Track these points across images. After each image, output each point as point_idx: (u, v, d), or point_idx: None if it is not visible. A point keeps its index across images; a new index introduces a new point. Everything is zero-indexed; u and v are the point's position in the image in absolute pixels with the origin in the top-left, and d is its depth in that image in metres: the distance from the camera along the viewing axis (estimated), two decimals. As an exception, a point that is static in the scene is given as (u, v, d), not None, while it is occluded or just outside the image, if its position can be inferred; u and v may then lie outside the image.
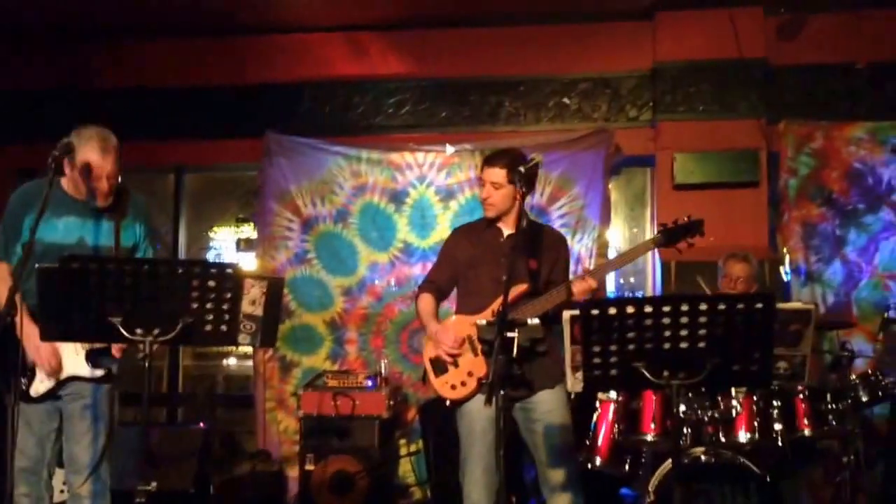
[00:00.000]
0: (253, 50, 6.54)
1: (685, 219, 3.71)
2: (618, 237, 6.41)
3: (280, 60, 6.52)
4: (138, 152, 6.48)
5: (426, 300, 3.95)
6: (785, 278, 5.98)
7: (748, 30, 6.01)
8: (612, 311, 2.85)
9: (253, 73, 6.52)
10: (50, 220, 3.49)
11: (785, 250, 5.99)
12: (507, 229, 3.87)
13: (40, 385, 3.52)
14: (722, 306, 2.80)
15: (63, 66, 6.63)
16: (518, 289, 3.62)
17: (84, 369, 3.53)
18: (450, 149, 6.24)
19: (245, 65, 6.54)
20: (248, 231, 6.57)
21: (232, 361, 6.70)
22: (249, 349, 6.36)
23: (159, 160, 6.59)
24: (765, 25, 6.11)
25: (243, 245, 6.49)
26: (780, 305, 3.35)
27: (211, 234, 6.82)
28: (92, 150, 3.43)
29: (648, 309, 2.82)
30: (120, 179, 3.56)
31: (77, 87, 6.59)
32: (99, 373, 3.56)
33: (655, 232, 3.77)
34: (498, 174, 3.74)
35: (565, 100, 6.36)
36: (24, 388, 3.50)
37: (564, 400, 3.82)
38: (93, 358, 3.53)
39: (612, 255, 5.96)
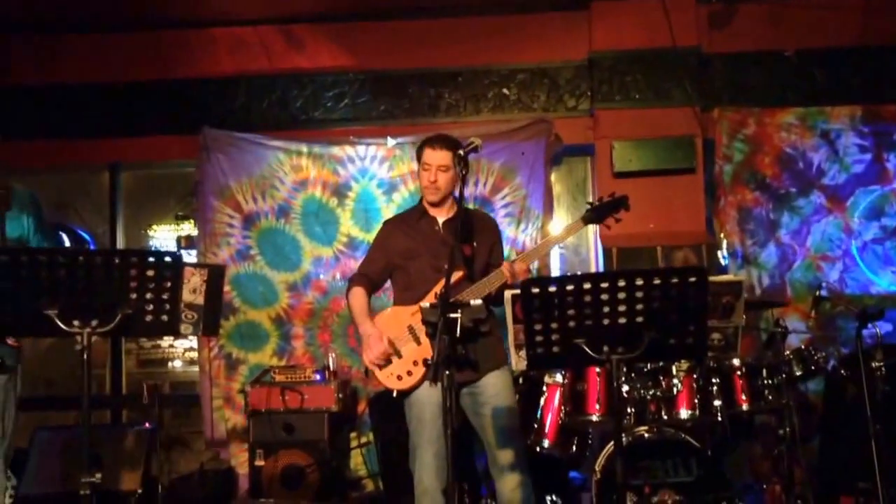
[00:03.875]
0: (186, 44, 6.44)
1: (610, 196, 3.79)
2: (561, 226, 6.46)
3: (214, 54, 6.44)
4: (71, 150, 6.44)
5: (358, 295, 3.90)
6: (723, 262, 6.11)
7: (681, 19, 6.11)
8: (552, 288, 2.90)
9: (187, 67, 6.42)
10: None
11: (722, 235, 6.12)
12: (440, 217, 3.89)
13: None
14: (657, 281, 2.87)
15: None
16: (455, 275, 3.61)
17: None
18: (391, 141, 6.24)
19: (178, 59, 6.43)
20: (189, 228, 6.49)
21: (177, 365, 6.61)
22: (195, 355, 6.30)
23: (93, 158, 6.50)
24: (697, 14, 6.22)
25: (184, 242, 6.41)
26: (712, 279, 3.43)
27: (150, 233, 6.72)
28: None
29: (587, 286, 2.88)
30: None
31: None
32: None
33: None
34: (445, 157, 3.75)
35: (504, 90, 6.40)
36: None
37: (510, 382, 3.88)
38: None
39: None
